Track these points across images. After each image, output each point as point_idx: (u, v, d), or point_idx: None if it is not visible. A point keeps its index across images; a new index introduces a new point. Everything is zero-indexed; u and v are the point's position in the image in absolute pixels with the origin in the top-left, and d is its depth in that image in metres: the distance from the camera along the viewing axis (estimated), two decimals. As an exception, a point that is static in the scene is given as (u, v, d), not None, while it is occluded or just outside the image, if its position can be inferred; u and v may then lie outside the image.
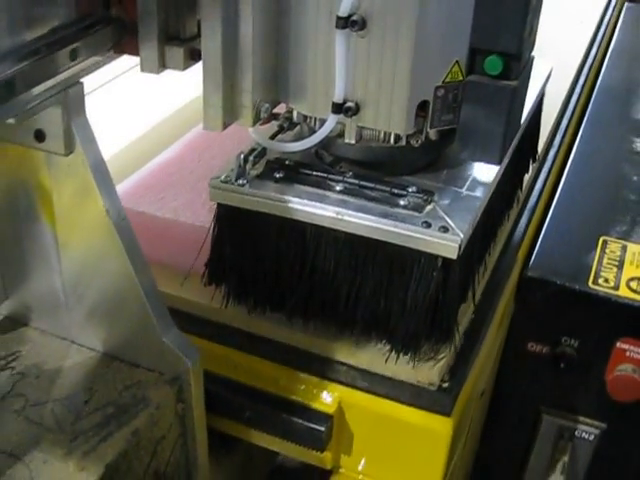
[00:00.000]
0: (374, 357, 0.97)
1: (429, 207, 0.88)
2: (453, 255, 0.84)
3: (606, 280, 1.19)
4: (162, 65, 0.86)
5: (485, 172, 0.94)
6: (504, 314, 1.17)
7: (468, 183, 0.93)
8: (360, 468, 1.02)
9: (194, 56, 0.86)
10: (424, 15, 0.80)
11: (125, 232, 0.88)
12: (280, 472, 1.28)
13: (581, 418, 1.27)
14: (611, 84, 1.82)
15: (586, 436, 1.27)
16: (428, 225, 0.85)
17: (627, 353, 1.18)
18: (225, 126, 0.85)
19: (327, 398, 0.99)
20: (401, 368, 0.95)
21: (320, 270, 0.91)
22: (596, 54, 1.90)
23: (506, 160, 0.97)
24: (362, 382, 0.98)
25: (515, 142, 1.00)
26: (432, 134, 0.90)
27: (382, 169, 0.93)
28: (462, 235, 0.84)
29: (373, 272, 0.89)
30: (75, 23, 0.83)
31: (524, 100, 0.96)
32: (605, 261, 1.23)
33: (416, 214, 0.87)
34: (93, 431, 0.88)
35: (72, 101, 0.80)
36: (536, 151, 1.26)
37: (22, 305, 1.01)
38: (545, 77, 1.14)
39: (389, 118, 0.85)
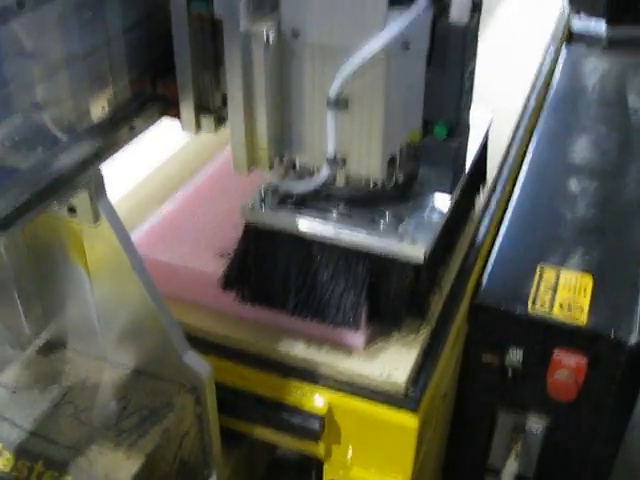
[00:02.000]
0: (355, 370, 1.21)
1: (401, 228, 1.16)
2: (421, 261, 1.13)
3: (542, 304, 1.44)
4: (198, 128, 1.15)
5: (441, 201, 1.22)
6: (458, 333, 1.41)
7: (429, 210, 1.21)
8: (348, 457, 1.26)
9: (222, 121, 1.14)
10: (388, 97, 1.06)
11: (144, 276, 1.11)
12: (278, 464, 1.50)
13: (530, 415, 1.51)
14: (550, 127, 2.07)
15: (534, 430, 1.51)
16: (401, 240, 1.14)
17: (562, 361, 1.43)
18: (249, 170, 1.14)
19: (319, 402, 1.22)
20: (378, 381, 1.19)
21: (321, 273, 1.18)
22: (537, 96, 2.11)
23: (457, 191, 1.25)
24: (346, 388, 1.22)
25: (463, 177, 1.28)
26: (400, 177, 1.18)
27: (366, 202, 1.20)
28: (425, 247, 1.13)
29: (362, 275, 1.17)
30: (130, 102, 1.09)
31: (466, 149, 1.23)
32: (542, 286, 1.48)
33: (393, 232, 1.15)
34: (133, 429, 1.11)
35: (96, 185, 1.04)
36: (484, 178, 1.54)
37: (62, 330, 1.23)
38: (488, 123, 1.43)
39: (368, 168, 1.13)
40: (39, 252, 1.15)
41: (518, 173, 1.83)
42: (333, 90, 1.05)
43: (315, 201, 1.21)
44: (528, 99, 2.05)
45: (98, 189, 1.05)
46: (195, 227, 1.38)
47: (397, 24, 1.00)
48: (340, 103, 1.07)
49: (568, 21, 2.62)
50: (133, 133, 1.11)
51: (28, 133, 0.93)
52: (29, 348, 1.24)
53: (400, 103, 1.09)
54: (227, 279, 1.24)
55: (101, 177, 1.05)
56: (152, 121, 1.15)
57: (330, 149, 1.11)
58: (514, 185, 1.79)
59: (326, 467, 1.29)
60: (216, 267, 1.25)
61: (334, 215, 1.18)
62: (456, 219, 1.35)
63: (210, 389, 1.17)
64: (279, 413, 1.23)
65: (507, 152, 1.80)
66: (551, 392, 1.44)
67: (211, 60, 1.11)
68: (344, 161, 1.12)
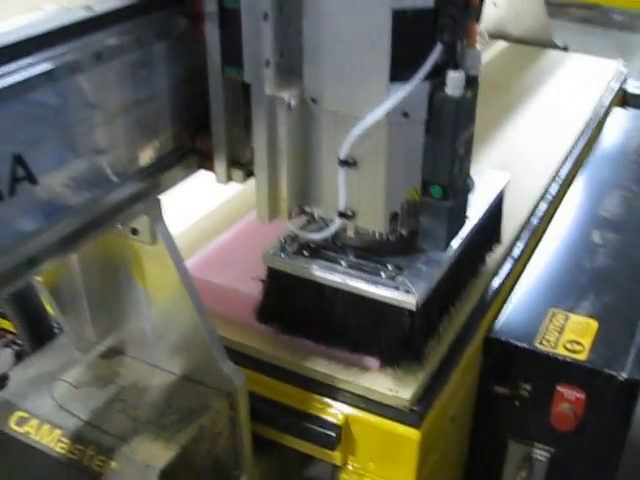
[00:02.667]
0: (368, 386, 1.38)
1: (400, 278, 1.32)
2: (413, 308, 1.29)
3: (548, 342, 1.58)
4: (229, 179, 1.34)
5: (439, 257, 1.37)
6: (471, 363, 1.57)
7: (427, 264, 1.36)
8: (362, 465, 1.43)
9: (250, 174, 1.32)
10: (390, 159, 1.23)
11: (193, 294, 1.30)
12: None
13: (536, 444, 1.65)
14: (586, 183, 2.22)
15: (540, 458, 1.65)
16: (397, 289, 1.30)
17: (565, 395, 1.57)
18: (270, 220, 1.31)
19: (337, 413, 1.40)
20: (386, 395, 1.36)
21: (332, 313, 1.36)
22: (580, 152, 2.28)
23: (458, 248, 1.40)
24: (361, 404, 1.39)
25: (468, 234, 1.43)
26: (403, 231, 1.32)
27: (372, 252, 1.36)
28: (417, 296, 1.28)
29: (366, 317, 1.33)
30: (173, 152, 1.29)
31: (464, 210, 1.36)
32: (551, 327, 1.63)
33: (391, 282, 1.31)
34: (172, 425, 1.30)
35: (154, 212, 1.25)
36: (499, 236, 1.69)
37: (121, 339, 1.44)
38: (502, 185, 1.59)
39: (373, 222, 1.29)
40: (107, 269, 1.36)
41: (548, 224, 1.99)
42: (343, 151, 1.23)
43: (328, 250, 1.38)
44: (570, 154, 2.24)
45: (157, 214, 1.26)
46: (246, 256, 1.56)
47: (397, 96, 1.16)
48: (349, 163, 1.24)
49: (623, 83, 2.81)
50: (174, 180, 1.31)
51: (89, 175, 1.14)
52: (92, 352, 1.44)
53: (401, 165, 1.24)
54: (259, 314, 1.43)
55: (160, 205, 1.26)
56: (191, 171, 1.35)
57: (341, 203, 1.28)
58: (542, 234, 1.95)
59: (342, 475, 1.45)
60: (259, 291, 1.44)
61: (343, 264, 1.35)
62: (459, 273, 1.48)
63: (243, 396, 1.36)
64: (302, 422, 1.41)
65: (536, 205, 1.96)
66: (554, 423, 1.58)
67: (242, 120, 1.28)
68: (353, 214, 1.29)
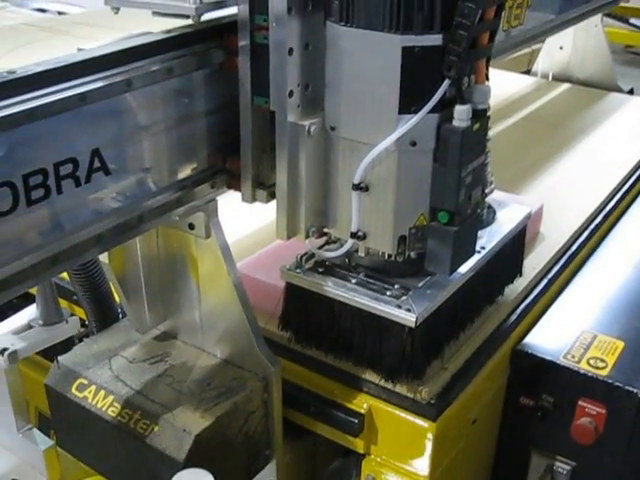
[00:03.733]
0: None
1: (404, 297, 1.42)
2: (412, 325, 1.39)
3: (573, 357, 1.67)
4: (254, 199, 1.46)
5: (445, 281, 1.47)
6: (496, 372, 1.67)
7: (432, 286, 1.46)
8: (383, 454, 1.55)
9: (273, 195, 1.43)
10: (400, 186, 1.33)
11: (239, 287, 1.47)
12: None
13: (557, 456, 1.73)
14: (633, 218, 2.30)
15: (562, 470, 1.72)
16: (399, 307, 1.40)
17: (586, 409, 1.65)
18: (288, 238, 1.42)
19: (362, 403, 1.53)
20: (407, 388, 1.49)
21: (341, 326, 1.48)
22: (628, 190, 2.36)
23: (467, 274, 1.49)
24: (383, 395, 1.52)
25: (480, 262, 1.52)
26: (412, 254, 1.41)
27: (381, 272, 1.48)
28: (417, 314, 1.38)
29: (370, 330, 1.45)
30: (205, 170, 1.45)
31: (472, 237, 1.41)
32: (577, 344, 1.71)
33: (395, 300, 1.42)
34: (211, 399, 1.45)
35: (210, 210, 1.42)
36: (520, 268, 1.76)
37: (174, 325, 1.62)
38: (523, 217, 1.68)
39: (383, 243, 1.40)
40: (166, 261, 1.54)
41: (590, 253, 2.08)
42: (357, 176, 1.34)
43: (342, 269, 1.50)
44: (617, 190, 2.34)
45: (212, 212, 1.43)
46: (292, 259, 1.72)
47: (405, 126, 1.27)
48: (362, 187, 1.34)
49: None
50: (205, 196, 1.45)
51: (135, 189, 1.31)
52: (149, 334, 1.62)
53: (409, 190, 1.34)
54: (281, 322, 1.58)
55: (215, 204, 1.44)
56: (221, 190, 1.48)
57: (353, 225, 1.38)
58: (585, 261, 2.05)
59: (364, 463, 1.57)
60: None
61: (353, 282, 1.47)
62: (470, 300, 1.57)
63: (277, 380, 1.51)
64: (328, 409, 1.55)
65: (578, 234, 2.07)
66: (575, 436, 1.66)
67: (268, 145, 1.41)
68: (364, 235, 1.39)
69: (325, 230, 1.47)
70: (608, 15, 3.22)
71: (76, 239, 1.21)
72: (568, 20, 2.52)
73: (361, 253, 1.45)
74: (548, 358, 1.68)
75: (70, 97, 1.14)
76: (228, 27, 1.35)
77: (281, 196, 1.39)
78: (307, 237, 1.44)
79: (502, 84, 3.12)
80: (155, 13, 1.38)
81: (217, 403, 1.45)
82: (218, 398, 1.46)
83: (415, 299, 1.41)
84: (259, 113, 1.38)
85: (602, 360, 1.67)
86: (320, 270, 1.50)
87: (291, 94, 1.31)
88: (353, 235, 1.39)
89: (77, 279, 1.62)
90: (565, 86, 3.16)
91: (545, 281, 1.86)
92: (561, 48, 3.14)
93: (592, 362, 1.66)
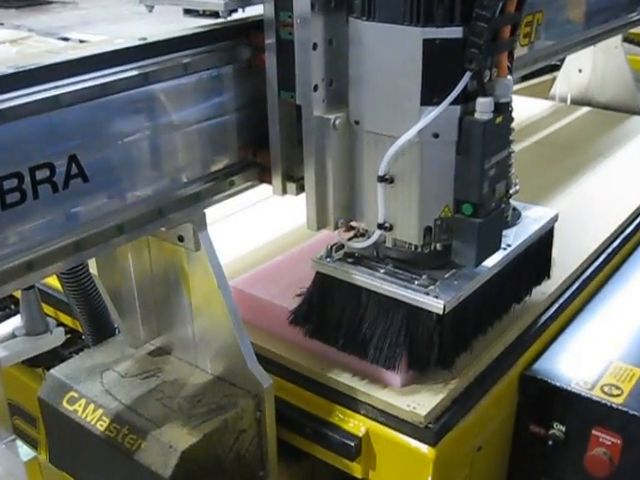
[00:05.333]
0: (388, 401, 1.44)
1: (431, 287, 1.41)
2: (440, 311, 1.37)
3: (585, 384, 1.59)
4: (285, 192, 1.48)
5: (472, 272, 1.45)
6: (504, 397, 1.60)
7: (459, 278, 1.44)
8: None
9: (302, 188, 1.45)
10: (423, 176, 1.33)
11: (230, 302, 1.43)
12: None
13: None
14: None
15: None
16: (427, 294, 1.39)
17: (600, 439, 1.56)
18: (318, 229, 1.44)
19: (359, 425, 1.47)
20: (404, 411, 1.42)
21: (368, 316, 1.45)
22: None
23: (494, 268, 1.47)
24: (381, 418, 1.45)
25: (507, 257, 1.51)
26: (438, 246, 1.41)
27: (410, 264, 1.46)
28: (445, 301, 1.36)
29: (398, 319, 1.42)
30: (237, 164, 1.46)
31: (497, 230, 1.43)
32: (591, 370, 1.63)
33: (422, 289, 1.40)
34: (200, 416, 1.41)
35: (198, 222, 1.39)
36: (548, 271, 1.73)
37: (169, 341, 1.58)
38: (550, 218, 1.66)
39: (409, 234, 1.39)
40: (158, 275, 1.51)
41: (610, 275, 2.00)
42: (382, 168, 1.34)
43: (370, 260, 1.49)
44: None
45: (201, 224, 1.40)
46: (289, 276, 1.69)
47: (427, 118, 1.27)
48: (387, 179, 1.35)
49: None
50: (237, 188, 1.47)
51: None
52: (143, 349, 1.58)
53: (433, 182, 1.34)
54: (296, 315, 1.54)
55: (203, 216, 1.41)
56: (252, 182, 1.50)
57: (380, 216, 1.39)
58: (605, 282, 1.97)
59: (362, 489, 1.51)
60: (293, 305, 1.55)
61: (381, 271, 1.45)
62: (497, 294, 1.55)
63: (269, 398, 1.45)
64: (324, 430, 1.48)
65: (597, 256, 1.99)
66: (588, 467, 1.57)
67: (296, 139, 1.43)
68: (391, 227, 1.39)
69: (353, 223, 1.48)
70: (627, 40, 3.14)
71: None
72: (586, 39, 2.46)
73: (388, 244, 1.44)
74: (559, 385, 1.60)
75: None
76: (254, 25, 1.41)
77: (310, 188, 1.41)
78: (336, 229, 1.45)
79: (518, 108, 3.03)
80: (186, 12, 1.41)
81: (206, 420, 1.40)
82: (208, 415, 1.41)
83: (443, 289, 1.41)
84: (286, 108, 1.41)
85: (617, 387, 1.58)
86: (349, 260, 1.49)
87: (316, 88, 1.34)
88: (380, 226, 1.40)
89: (70, 292, 1.60)
90: (584, 109, 3.10)
91: (557, 305, 1.79)
92: (580, 71, 3.08)
93: (607, 389, 1.58)
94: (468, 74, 1.26)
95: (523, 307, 1.69)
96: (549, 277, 1.74)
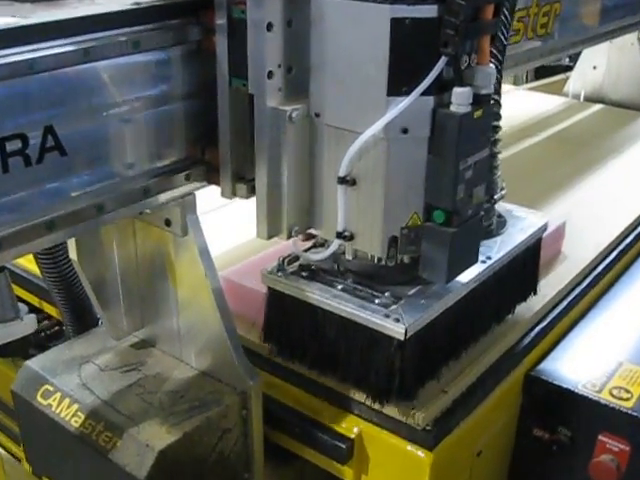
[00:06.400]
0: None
1: (394, 306, 1.27)
2: (401, 337, 1.23)
3: (593, 386, 1.50)
4: (234, 194, 1.32)
5: (443, 290, 1.30)
6: (506, 400, 1.51)
7: (428, 296, 1.30)
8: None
9: (254, 191, 1.29)
10: (390, 180, 1.19)
11: (218, 293, 1.33)
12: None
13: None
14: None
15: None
16: (387, 316, 1.25)
17: (607, 445, 1.47)
18: (269, 237, 1.29)
19: (351, 426, 1.38)
20: (401, 411, 1.32)
21: (325, 337, 1.33)
22: None
23: (469, 284, 1.33)
24: (376, 419, 1.36)
25: (485, 272, 1.37)
26: (405, 259, 1.26)
27: (373, 279, 1.33)
28: (406, 325, 1.22)
29: (356, 342, 1.30)
30: (183, 161, 1.31)
31: (473, 241, 1.27)
32: (599, 373, 1.54)
33: (383, 309, 1.26)
34: (182, 413, 1.32)
35: (187, 204, 1.29)
36: (534, 286, 1.59)
37: (152, 333, 1.49)
38: (538, 228, 1.52)
39: (371, 245, 1.25)
40: (143, 262, 1.42)
41: (618, 276, 1.90)
42: (343, 168, 1.20)
43: (328, 274, 1.36)
44: None
45: (189, 207, 1.30)
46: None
47: (394, 110, 1.13)
48: (348, 181, 1.21)
49: None
50: (180, 187, 1.31)
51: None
52: (125, 341, 1.49)
53: (401, 185, 1.20)
54: (264, 334, 1.43)
55: (193, 198, 1.31)
56: (198, 181, 1.33)
57: (339, 224, 1.25)
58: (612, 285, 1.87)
59: (354, 494, 1.41)
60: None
61: (339, 287, 1.32)
62: (473, 314, 1.41)
63: (256, 395, 1.36)
64: (314, 430, 1.39)
65: (604, 256, 1.89)
66: (593, 475, 1.48)
67: (249, 135, 1.27)
68: (351, 236, 1.25)
69: (310, 231, 1.33)
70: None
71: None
72: (602, 34, 2.37)
73: (348, 256, 1.30)
74: (565, 386, 1.51)
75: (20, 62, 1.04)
76: (204, 3, 1.22)
77: (261, 191, 1.26)
78: (289, 237, 1.30)
79: (530, 103, 3.00)
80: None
81: (187, 417, 1.31)
82: (189, 412, 1.32)
83: (406, 309, 1.26)
84: (238, 97, 1.25)
85: (627, 391, 1.49)
86: (304, 274, 1.36)
87: (270, 75, 1.19)
88: (339, 235, 1.25)
89: (49, 278, 1.51)
90: (597, 106, 3.01)
91: (565, 302, 1.69)
92: (594, 68, 2.99)
93: (615, 392, 1.49)
94: (443, 59, 1.11)
95: (528, 306, 1.59)
96: (535, 293, 1.60)
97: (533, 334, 1.58)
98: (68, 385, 1.39)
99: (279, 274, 1.36)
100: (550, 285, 1.67)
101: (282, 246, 1.68)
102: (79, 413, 1.34)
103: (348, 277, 1.35)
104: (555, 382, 1.52)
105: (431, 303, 1.28)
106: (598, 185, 2.29)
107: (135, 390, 1.37)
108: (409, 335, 1.23)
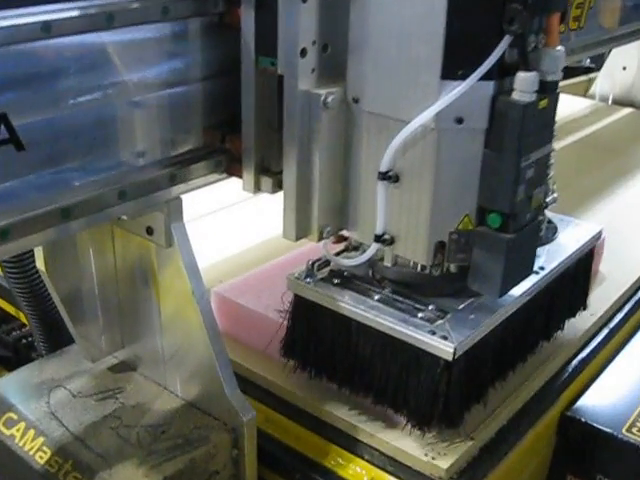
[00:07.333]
0: (398, 445, 1.16)
1: (439, 321, 1.10)
2: (450, 357, 1.06)
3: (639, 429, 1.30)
4: (258, 189, 1.16)
5: (494, 304, 1.15)
6: (539, 443, 1.31)
7: (477, 310, 1.14)
8: None
9: (281, 185, 1.13)
10: (439, 177, 1.04)
11: (207, 312, 1.15)
12: None
13: None
14: None
15: None
16: (433, 333, 1.08)
17: (655, 500, 1.27)
18: (297, 238, 1.13)
19: (361, 473, 1.18)
20: (420, 461, 1.14)
21: (359, 353, 1.15)
22: None
23: (521, 298, 1.17)
24: (389, 466, 1.17)
25: (538, 285, 1.21)
26: (452, 267, 1.11)
27: (414, 289, 1.16)
28: (455, 344, 1.05)
29: (395, 360, 1.12)
30: (201, 149, 1.15)
31: (530, 251, 1.13)
32: (644, 414, 1.34)
33: (427, 324, 1.10)
34: (162, 452, 1.13)
35: (172, 210, 1.10)
36: (585, 300, 1.43)
37: (133, 355, 1.30)
38: (592, 237, 1.36)
39: (415, 250, 1.10)
40: (124, 274, 1.23)
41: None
42: (385, 162, 1.05)
43: (363, 282, 1.19)
44: None
45: (174, 213, 1.11)
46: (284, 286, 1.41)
47: (449, 96, 0.98)
48: (391, 177, 1.05)
49: None
50: (197, 180, 1.15)
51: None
52: (103, 363, 1.31)
53: (452, 183, 1.05)
54: (283, 347, 1.25)
55: (179, 203, 1.12)
56: (218, 175, 1.18)
57: (379, 226, 1.09)
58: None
59: None
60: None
61: (376, 298, 1.15)
62: (522, 331, 1.25)
63: (250, 433, 1.17)
64: (317, 477, 1.20)
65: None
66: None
67: (276, 121, 1.11)
68: (392, 240, 1.10)
69: (344, 233, 1.17)
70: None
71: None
72: (635, 31, 2.15)
73: (387, 263, 1.14)
74: (606, 430, 1.31)
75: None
76: None
77: (289, 186, 1.10)
78: (320, 239, 1.14)
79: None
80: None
81: (169, 458, 1.12)
82: (172, 452, 1.13)
83: (454, 325, 1.10)
84: (265, 79, 1.10)
85: (678, 438, 1.29)
86: (335, 281, 1.19)
87: (304, 53, 1.04)
88: (377, 239, 1.10)
89: (17, 289, 1.32)
90: (627, 110, 2.81)
91: (605, 331, 1.50)
92: (624, 69, 2.79)
93: (666, 438, 1.29)
94: (507, 38, 0.97)
95: (564, 335, 1.40)
96: (585, 308, 1.43)
97: (569, 370, 1.38)
98: (34, 413, 1.20)
99: (307, 280, 1.19)
100: (588, 312, 1.46)
101: (284, 259, 1.50)
102: (45, 448, 1.15)
103: (385, 286, 1.18)
104: (595, 425, 1.32)
105: (481, 319, 1.13)
106: (633, 196, 2.09)
107: (110, 422, 1.18)
108: (458, 355, 1.06)
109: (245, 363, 1.30)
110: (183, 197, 1.13)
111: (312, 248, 1.51)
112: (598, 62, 3.06)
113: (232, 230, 1.74)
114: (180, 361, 1.21)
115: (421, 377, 1.10)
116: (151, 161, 1.09)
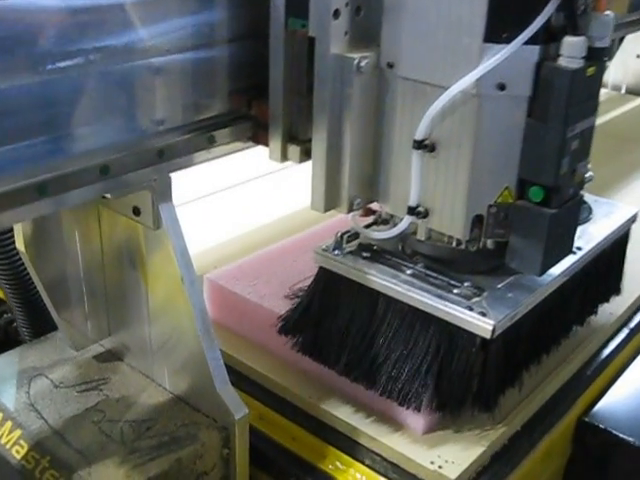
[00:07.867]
0: (402, 451, 1.08)
1: (476, 298, 1.05)
2: (488, 335, 1.00)
3: (663, 438, 1.21)
4: (284, 157, 1.11)
5: (533, 282, 1.09)
6: (554, 451, 1.22)
7: (516, 288, 1.08)
8: None
9: (308, 154, 1.08)
10: (478, 147, 0.98)
11: (197, 300, 1.06)
12: None
13: None
14: None
15: None
16: (470, 309, 1.02)
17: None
18: (326, 209, 1.07)
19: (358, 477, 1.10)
20: (426, 469, 1.05)
21: (385, 332, 1.09)
22: None
23: (560, 277, 1.12)
24: (393, 474, 1.09)
25: (576, 265, 1.16)
26: (489, 243, 1.05)
27: (448, 266, 1.10)
28: (494, 321, 1.00)
29: (427, 340, 1.05)
30: (227, 114, 1.09)
31: (571, 228, 1.08)
32: (669, 421, 1.25)
33: (464, 301, 1.04)
34: (147, 451, 1.05)
35: (160, 188, 1.02)
36: (618, 285, 1.36)
37: (120, 344, 1.22)
38: (628, 218, 1.30)
39: (451, 224, 1.04)
40: (111, 257, 1.15)
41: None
42: (420, 129, 0.99)
43: (393, 256, 1.13)
44: None
45: (162, 193, 1.02)
46: (286, 272, 1.33)
47: (492, 61, 0.92)
48: (427, 146, 1.00)
49: None
50: (215, 147, 1.08)
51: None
52: (88, 351, 1.22)
53: (491, 153, 0.99)
54: (286, 322, 1.17)
55: (168, 181, 1.03)
56: (242, 143, 1.12)
57: (412, 197, 1.04)
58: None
59: None
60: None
61: (408, 272, 1.09)
62: (559, 313, 1.18)
63: (242, 432, 1.08)
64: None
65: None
66: None
67: (305, 86, 1.06)
68: (426, 212, 1.04)
69: (373, 205, 1.14)
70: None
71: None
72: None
73: (421, 236, 1.08)
74: (628, 440, 1.22)
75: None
76: None
77: (318, 154, 1.05)
78: (350, 211, 1.08)
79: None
80: None
81: (153, 457, 1.03)
82: (157, 450, 1.05)
83: (492, 302, 1.05)
84: (295, 42, 1.05)
85: None
86: (365, 255, 1.13)
87: (337, 14, 0.98)
88: (411, 211, 1.05)
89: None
90: None
91: (626, 331, 1.41)
92: (638, 57, 2.68)
93: (688, 449, 1.20)
94: (555, 0, 0.91)
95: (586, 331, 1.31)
96: (619, 293, 1.37)
97: (588, 372, 1.29)
98: (13, 404, 1.12)
99: (336, 252, 1.13)
100: (608, 310, 1.37)
101: (282, 244, 1.42)
102: (21, 441, 1.07)
103: (418, 261, 1.12)
104: (615, 432, 1.23)
105: (520, 297, 1.07)
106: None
107: (93, 416, 1.10)
108: (496, 333, 1.01)
109: (238, 355, 1.23)
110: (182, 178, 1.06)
111: (313, 233, 1.44)
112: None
113: (230, 214, 1.65)
114: (169, 352, 1.13)
115: (455, 356, 1.04)
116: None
